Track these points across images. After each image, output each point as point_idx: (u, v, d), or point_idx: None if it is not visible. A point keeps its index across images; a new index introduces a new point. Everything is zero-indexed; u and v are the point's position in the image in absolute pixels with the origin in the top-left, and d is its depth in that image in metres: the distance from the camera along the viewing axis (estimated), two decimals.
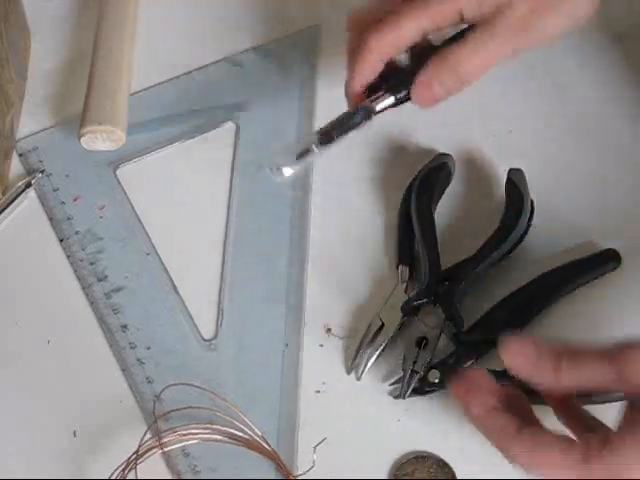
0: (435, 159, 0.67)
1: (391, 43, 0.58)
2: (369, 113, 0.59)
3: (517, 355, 0.51)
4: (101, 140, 0.68)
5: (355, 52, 0.59)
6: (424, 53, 0.59)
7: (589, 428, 0.51)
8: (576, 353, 0.49)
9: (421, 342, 0.60)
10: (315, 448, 0.59)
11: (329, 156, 0.69)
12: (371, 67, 0.59)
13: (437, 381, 0.59)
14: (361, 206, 0.67)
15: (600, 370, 0.48)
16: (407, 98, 0.59)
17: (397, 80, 0.59)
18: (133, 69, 0.71)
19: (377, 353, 0.61)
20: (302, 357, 0.62)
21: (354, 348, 0.61)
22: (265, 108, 0.71)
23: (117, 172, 0.69)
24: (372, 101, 0.59)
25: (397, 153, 0.69)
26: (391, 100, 0.59)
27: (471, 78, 0.58)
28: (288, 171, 0.57)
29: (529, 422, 0.50)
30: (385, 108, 0.59)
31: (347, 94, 0.61)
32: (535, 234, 0.65)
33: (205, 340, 0.63)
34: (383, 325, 0.62)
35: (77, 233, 0.67)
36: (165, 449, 0.58)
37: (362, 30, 0.59)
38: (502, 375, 0.55)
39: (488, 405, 0.51)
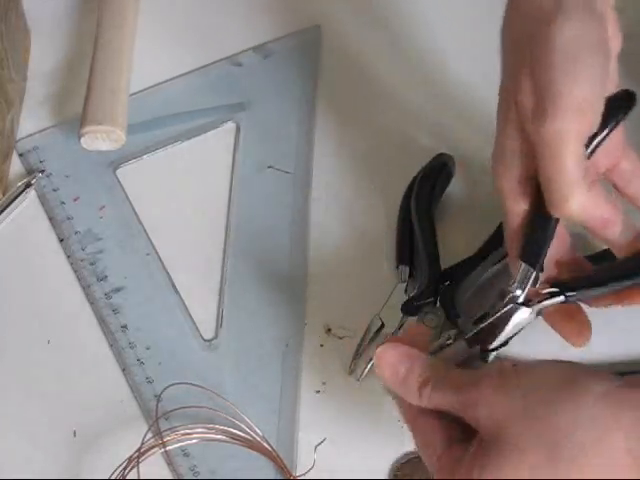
0: (435, 159, 0.67)
1: None
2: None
3: (388, 366, 0.51)
4: (101, 140, 0.67)
5: None
6: None
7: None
8: (441, 380, 0.49)
9: None
10: (315, 448, 0.59)
11: (329, 156, 0.69)
12: None
13: None
14: (361, 206, 0.67)
15: (453, 404, 0.48)
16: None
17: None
18: (133, 69, 0.71)
19: None
20: (302, 357, 0.62)
21: (354, 348, 0.61)
22: (265, 108, 0.71)
23: (117, 172, 0.69)
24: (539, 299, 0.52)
25: (397, 153, 0.69)
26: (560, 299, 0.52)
27: None
28: None
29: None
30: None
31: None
32: None
33: (205, 340, 0.63)
34: (383, 325, 0.62)
35: (77, 233, 0.67)
36: (166, 448, 0.58)
37: None
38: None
39: (416, 408, 0.50)
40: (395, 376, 0.50)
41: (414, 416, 0.51)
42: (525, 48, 0.50)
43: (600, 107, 0.50)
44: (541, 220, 0.53)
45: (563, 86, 0.48)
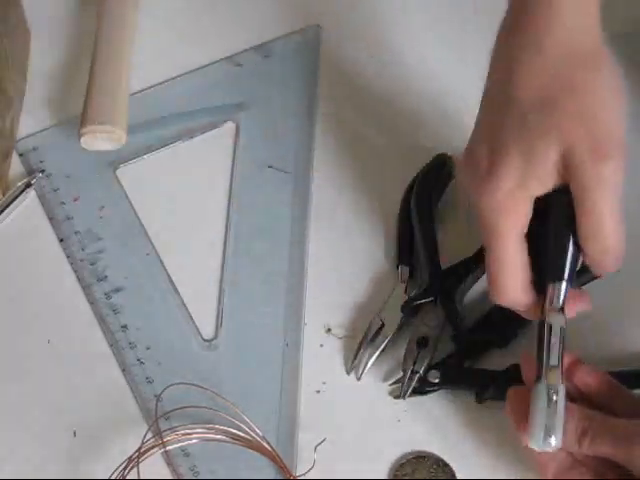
0: (435, 159, 0.67)
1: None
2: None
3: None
4: (101, 140, 0.68)
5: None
6: None
7: None
8: (599, 429, 0.51)
9: (421, 342, 0.60)
10: (315, 448, 0.59)
11: (329, 156, 0.69)
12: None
13: (437, 381, 0.59)
14: (361, 206, 0.67)
15: (615, 452, 0.51)
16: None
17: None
18: (133, 69, 0.71)
19: (377, 353, 0.61)
20: (302, 357, 0.62)
21: (354, 348, 0.61)
22: (265, 108, 0.71)
23: (117, 172, 0.69)
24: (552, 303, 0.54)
25: (397, 153, 0.69)
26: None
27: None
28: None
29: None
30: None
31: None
32: None
33: (205, 340, 0.63)
34: (383, 325, 0.62)
35: (77, 233, 0.67)
36: (166, 448, 0.58)
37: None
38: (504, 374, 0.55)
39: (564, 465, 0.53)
40: None
41: (565, 469, 0.53)
42: (564, 94, 0.51)
43: None
44: None
45: (616, 127, 0.51)
